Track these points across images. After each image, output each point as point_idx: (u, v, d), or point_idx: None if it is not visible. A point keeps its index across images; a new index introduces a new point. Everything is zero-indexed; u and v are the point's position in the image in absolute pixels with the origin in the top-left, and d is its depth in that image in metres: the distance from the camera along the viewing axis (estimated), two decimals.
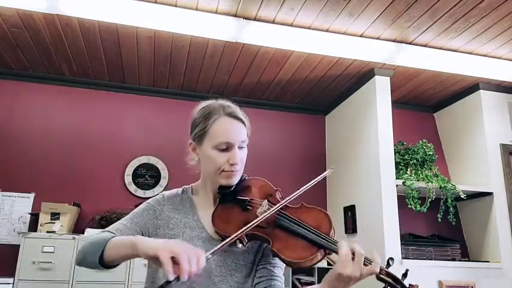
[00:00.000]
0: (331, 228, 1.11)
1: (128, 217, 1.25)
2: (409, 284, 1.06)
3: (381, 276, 1.05)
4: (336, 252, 1.04)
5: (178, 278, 0.89)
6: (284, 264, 1.22)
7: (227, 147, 1.19)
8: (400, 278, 1.06)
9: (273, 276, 1.19)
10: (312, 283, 3.49)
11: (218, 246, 1.03)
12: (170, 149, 3.85)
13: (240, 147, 1.22)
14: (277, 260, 1.22)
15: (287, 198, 1.15)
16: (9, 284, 2.92)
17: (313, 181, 1.18)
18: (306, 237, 1.08)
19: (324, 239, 1.07)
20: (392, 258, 1.08)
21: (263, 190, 1.25)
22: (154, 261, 0.94)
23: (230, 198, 1.23)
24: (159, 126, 3.94)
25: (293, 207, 1.18)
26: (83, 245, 1.15)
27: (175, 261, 0.90)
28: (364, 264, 1.02)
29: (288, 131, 4.25)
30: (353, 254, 1.02)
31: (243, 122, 1.25)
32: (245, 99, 4.13)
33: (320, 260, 1.08)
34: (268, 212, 1.12)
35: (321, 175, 1.19)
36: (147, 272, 1.25)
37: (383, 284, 1.06)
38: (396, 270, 1.07)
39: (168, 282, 0.90)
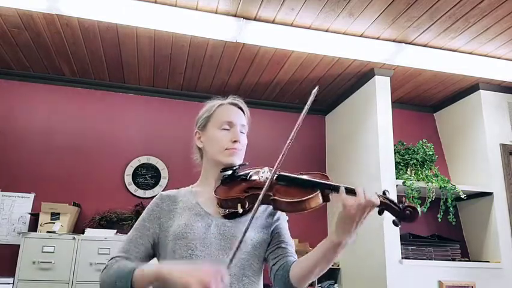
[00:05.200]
0: (329, 180, 1.18)
1: (137, 228, 1.31)
2: (407, 202, 1.11)
3: (380, 200, 1.11)
4: (338, 191, 1.11)
5: None
6: (293, 241, 1.34)
7: (229, 127, 1.33)
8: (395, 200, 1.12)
9: (287, 253, 1.28)
10: (311, 284, 3.49)
11: (251, 215, 1.10)
12: (170, 149, 3.85)
13: (241, 132, 1.35)
14: (287, 239, 1.33)
15: (287, 144, 1.24)
16: (9, 284, 2.92)
17: (302, 113, 1.22)
18: (304, 184, 1.18)
19: (324, 183, 1.15)
20: (387, 190, 1.14)
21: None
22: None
23: (232, 177, 1.30)
24: (159, 126, 3.94)
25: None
26: (105, 279, 1.18)
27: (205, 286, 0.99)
28: None
29: (288, 131, 4.19)
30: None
31: (243, 111, 1.41)
32: (245, 99, 4.10)
33: (321, 203, 1.15)
34: (276, 166, 1.20)
35: (308, 102, 1.22)
36: None
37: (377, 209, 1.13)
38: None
39: None
